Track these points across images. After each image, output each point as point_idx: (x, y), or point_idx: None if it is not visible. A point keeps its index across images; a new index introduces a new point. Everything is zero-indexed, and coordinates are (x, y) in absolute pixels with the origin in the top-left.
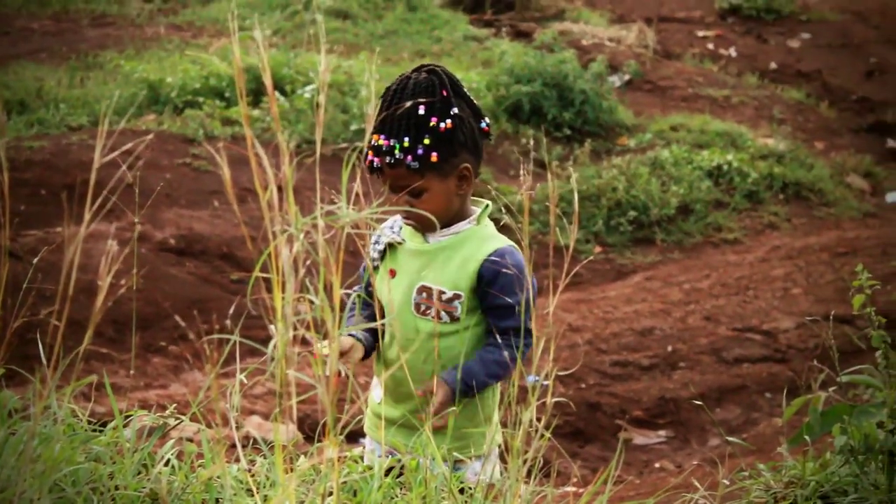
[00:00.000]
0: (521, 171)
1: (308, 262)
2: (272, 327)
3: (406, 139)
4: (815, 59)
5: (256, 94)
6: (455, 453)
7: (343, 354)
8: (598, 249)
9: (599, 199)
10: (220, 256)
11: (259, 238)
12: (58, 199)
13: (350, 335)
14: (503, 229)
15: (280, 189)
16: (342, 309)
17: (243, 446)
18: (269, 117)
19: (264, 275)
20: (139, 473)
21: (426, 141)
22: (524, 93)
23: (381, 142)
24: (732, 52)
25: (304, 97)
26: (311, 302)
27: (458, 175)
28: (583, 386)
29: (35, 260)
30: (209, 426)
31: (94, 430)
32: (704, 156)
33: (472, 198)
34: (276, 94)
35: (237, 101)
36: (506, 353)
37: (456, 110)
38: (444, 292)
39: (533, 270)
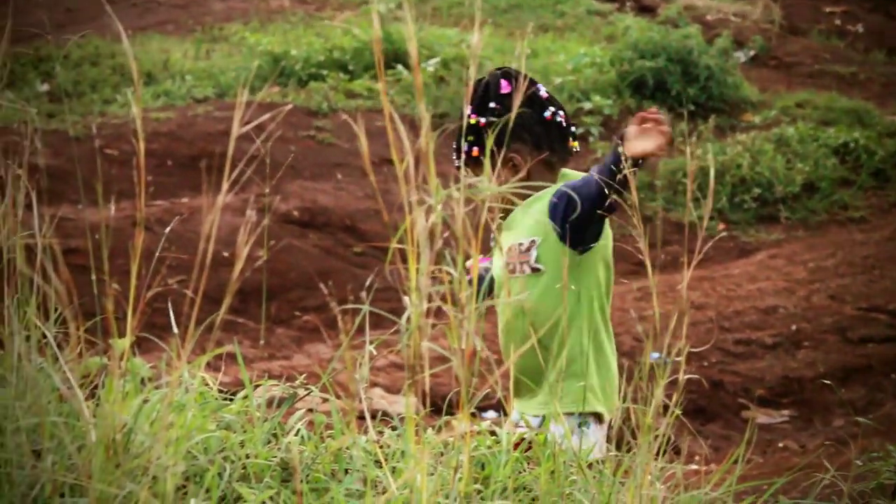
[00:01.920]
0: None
1: (446, 234)
2: (406, 298)
3: (462, 141)
4: None
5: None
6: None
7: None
8: (721, 227)
9: (723, 175)
10: (343, 229)
11: (390, 210)
12: (183, 171)
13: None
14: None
15: (416, 160)
16: (480, 282)
17: (371, 418)
18: (392, 91)
19: (399, 245)
20: (269, 443)
21: (470, 138)
22: (648, 68)
23: (453, 146)
24: (860, 28)
25: (427, 70)
26: (448, 274)
27: (506, 165)
28: (705, 364)
29: (167, 230)
30: (337, 397)
31: (225, 399)
32: (830, 133)
33: (571, 171)
34: (399, 67)
35: (360, 75)
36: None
37: (493, 104)
38: (521, 244)
39: (658, 246)
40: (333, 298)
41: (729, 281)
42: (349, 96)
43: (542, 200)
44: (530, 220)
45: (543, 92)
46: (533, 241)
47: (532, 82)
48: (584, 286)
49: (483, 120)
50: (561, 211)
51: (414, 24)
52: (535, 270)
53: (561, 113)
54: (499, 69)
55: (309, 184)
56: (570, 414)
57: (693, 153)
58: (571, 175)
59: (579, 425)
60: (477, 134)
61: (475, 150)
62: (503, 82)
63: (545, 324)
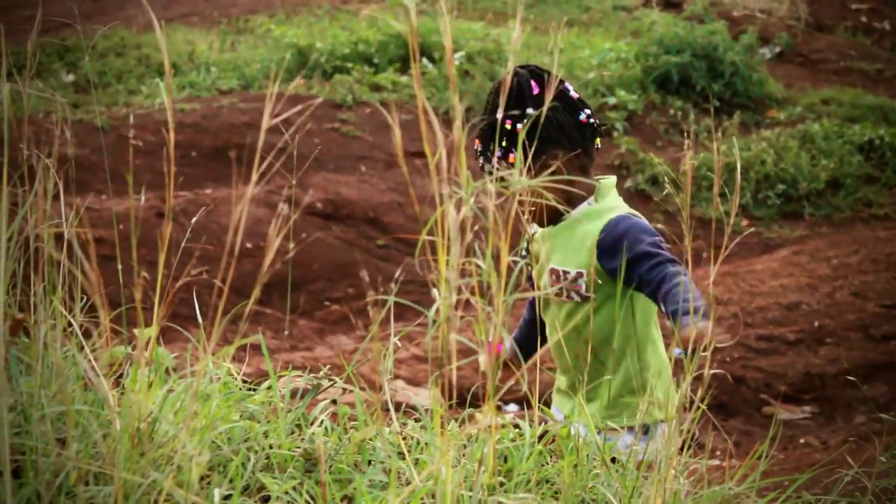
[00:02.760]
0: (686, 142)
1: (476, 228)
2: (435, 290)
3: (491, 144)
4: None
5: (404, 60)
6: (608, 422)
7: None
8: (745, 223)
9: (748, 172)
10: (366, 221)
11: (417, 202)
12: (208, 162)
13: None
14: (641, 198)
15: (448, 152)
16: (508, 275)
17: (395, 410)
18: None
19: (429, 237)
20: (293, 433)
21: (503, 144)
22: (673, 63)
23: (477, 146)
24: (886, 25)
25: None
26: (478, 266)
27: (544, 170)
28: (727, 359)
29: (193, 220)
30: (361, 389)
31: (249, 390)
32: (856, 130)
33: (600, 176)
34: (424, 60)
35: (385, 68)
36: (673, 274)
37: (530, 110)
38: (567, 272)
39: (687, 241)
40: (366, 287)
41: (752, 277)
42: (374, 89)
43: (589, 227)
44: (574, 250)
45: (573, 92)
46: (580, 273)
47: (560, 81)
48: (637, 307)
49: (519, 126)
50: (612, 261)
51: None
52: (584, 299)
53: (592, 113)
54: (524, 67)
55: (333, 176)
56: (631, 427)
57: (718, 149)
58: (606, 186)
59: (645, 433)
60: (511, 138)
61: (511, 157)
62: (533, 83)
63: (597, 342)
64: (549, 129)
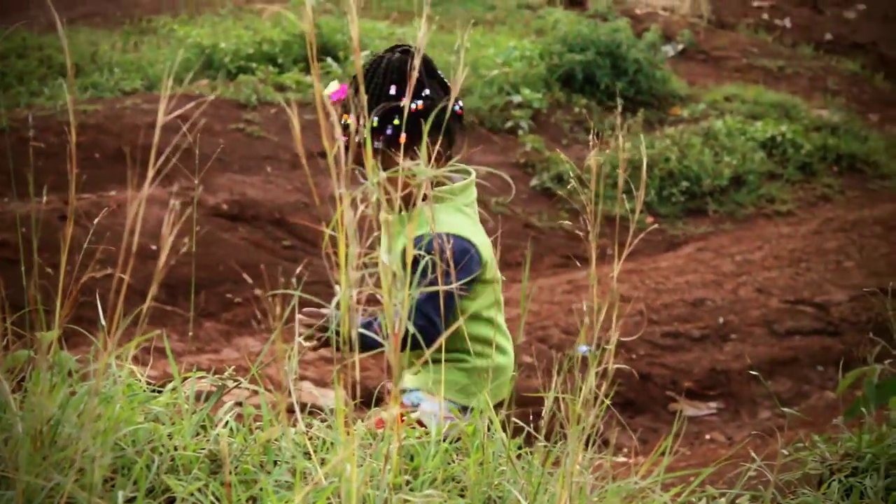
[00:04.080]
0: (591, 139)
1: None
2: (337, 286)
3: (375, 120)
4: (871, 30)
5: (308, 60)
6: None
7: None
8: (650, 220)
9: (652, 169)
10: (272, 222)
11: (323, 202)
12: (111, 163)
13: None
14: (546, 196)
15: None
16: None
17: (301, 410)
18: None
19: (331, 232)
20: (197, 435)
21: (395, 122)
22: (577, 61)
23: (350, 121)
24: (787, 22)
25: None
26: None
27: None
28: (633, 356)
29: (95, 222)
30: (266, 390)
31: (154, 392)
32: (758, 127)
33: (462, 166)
34: (329, 59)
35: (290, 67)
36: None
37: (428, 91)
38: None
39: (592, 239)
40: (268, 287)
41: (657, 274)
42: (278, 89)
43: (405, 234)
44: (396, 245)
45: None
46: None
47: (432, 65)
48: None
49: (415, 106)
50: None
51: (344, 16)
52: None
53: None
54: (397, 47)
55: (238, 177)
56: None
57: (622, 146)
58: (458, 188)
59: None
60: (408, 120)
61: (403, 136)
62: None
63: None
64: (436, 115)
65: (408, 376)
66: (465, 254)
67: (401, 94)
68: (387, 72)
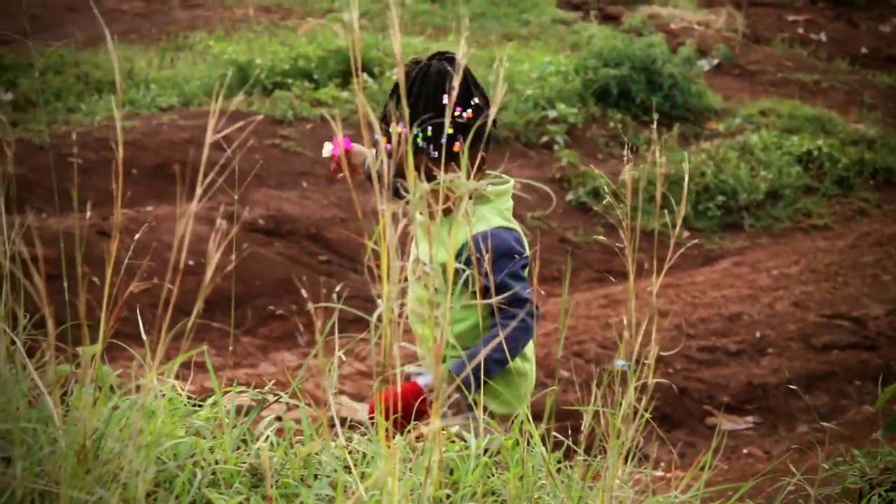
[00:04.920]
0: (626, 154)
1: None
2: (379, 299)
3: (430, 129)
4: None
5: (345, 76)
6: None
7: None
8: (686, 234)
9: (687, 183)
10: (308, 237)
11: (364, 216)
12: (148, 179)
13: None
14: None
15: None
16: (454, 283)
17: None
18: (357, 99)
19: (374, 246)
20: (238, 449)
21: (450, 130)
22: (612, 76)
23: (399, 130)
24: (823, 36)
25: (391, 79)
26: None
27: (477, 164)
28: (670, 371)
29: (136, 238)
30: (307, 405)
31: (194, 406)
32: (794, 141)
33: (499, 174)
34: (364, 75)
35: (325, 83)
36: (506, 319)
37: (476, 100)
38: (426, 265)
39: (630, 253)
40: (308, 302)
41: (693, 288)
42: (314, 105)
43: (461, 232)
44: (440, 250)
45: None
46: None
47: (471, 74)
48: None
49: (466, 115)
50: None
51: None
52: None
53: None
54: (438, 54)
55: (274, 192)
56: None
57: (659, 161)
58: (495, 193)
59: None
60: (459, 128)
61: (457, 145)
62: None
63: (453, 333)
64: (483, 124)
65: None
66: (519, 242)
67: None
68: (437, 79)
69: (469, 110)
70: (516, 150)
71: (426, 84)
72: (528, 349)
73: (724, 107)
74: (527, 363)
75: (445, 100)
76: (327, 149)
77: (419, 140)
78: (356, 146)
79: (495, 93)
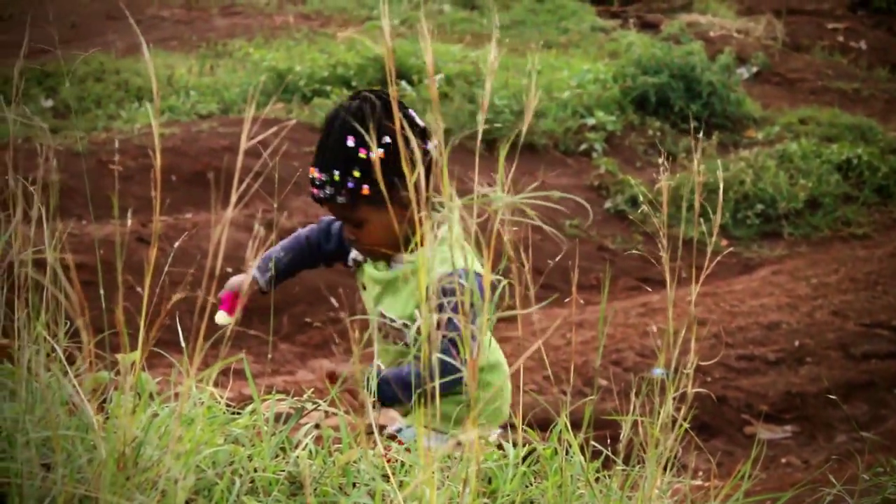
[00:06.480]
0: (661, 162)
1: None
2: (416, 311)
3: (336, 173)
4: None
5: (383, 83)
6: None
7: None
8: (724, 243)
9: (726, 192)
10: None
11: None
12: (187, 186)
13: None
14: (620, 219)
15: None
16: (493, 291)
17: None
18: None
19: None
20: (277, 456)
21: (356, 174)
22: (651, 84)
23: (315, 175)
24: (862, 44)
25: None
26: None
27: (399, 203)
28: (708, 379)
29: (175, 245)
30: (346, 412)
31: (233, 414)
32: (833, 149)
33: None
34: (403, 83)
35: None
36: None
37: (388, 139)
38: (394, 321)
39: (667, 262)
40: (344, 310)
41: (732, 297)
42: None
43: (416, 281)
44: (404, 300)
45: (419, 119)
46: (406, 324)
47: (403, 107)
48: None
49: (374, 156)
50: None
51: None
52: (407, 345)
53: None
54: (363, 92)
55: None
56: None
57: (699, 169)
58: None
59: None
60: (365, 168)
61: (365, 188)
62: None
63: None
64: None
65: (400, 418)
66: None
67: (359, 144)
68: (345, 122)
69: (380, 150)
70: (555, 157)
71: (335, 126)
72: (503, 361)
73: (763, 115)
74: (498, 375)
75: (351, 142)
76: (222, 318)
77: (327, 187)
78: (235, 285)
79: (528, 99)
